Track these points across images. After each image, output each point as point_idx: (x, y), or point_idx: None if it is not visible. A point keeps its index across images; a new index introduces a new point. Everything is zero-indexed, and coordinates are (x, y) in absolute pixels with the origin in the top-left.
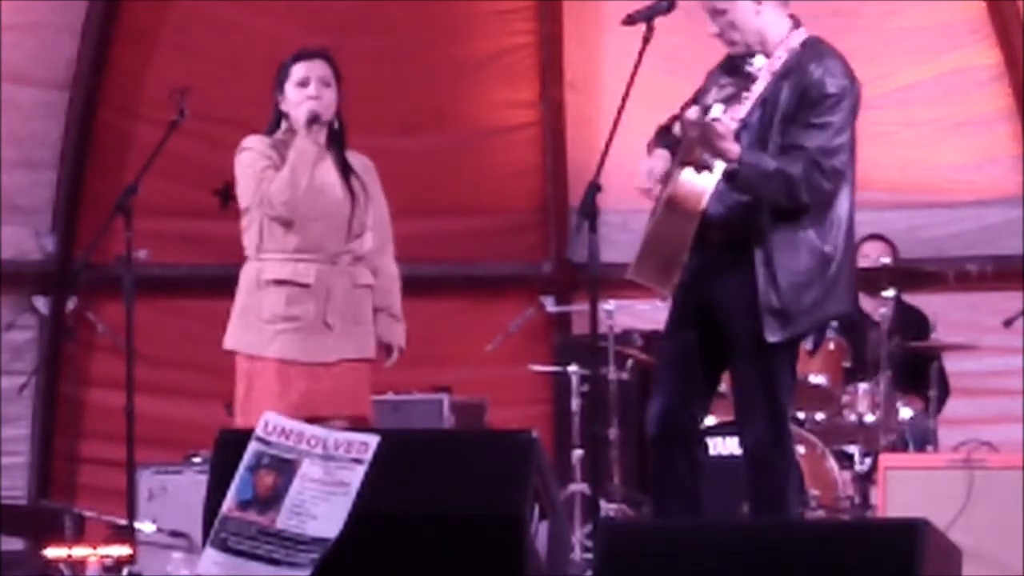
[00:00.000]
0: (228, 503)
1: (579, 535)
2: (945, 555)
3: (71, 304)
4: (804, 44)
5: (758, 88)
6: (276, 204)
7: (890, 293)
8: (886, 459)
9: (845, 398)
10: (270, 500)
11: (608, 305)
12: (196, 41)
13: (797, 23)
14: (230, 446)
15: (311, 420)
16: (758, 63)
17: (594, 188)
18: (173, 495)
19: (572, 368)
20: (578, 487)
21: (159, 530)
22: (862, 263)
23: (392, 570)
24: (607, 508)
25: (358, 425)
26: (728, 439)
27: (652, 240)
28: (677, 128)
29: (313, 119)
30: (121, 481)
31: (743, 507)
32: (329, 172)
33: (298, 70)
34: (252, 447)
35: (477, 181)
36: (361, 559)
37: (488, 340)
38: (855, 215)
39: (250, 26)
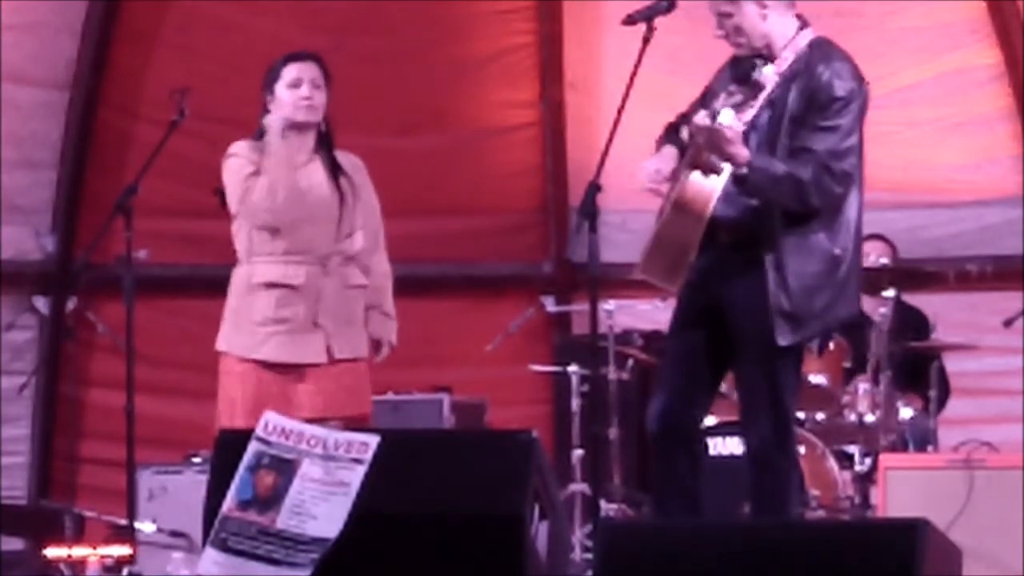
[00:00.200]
0: (228, 503)
1: (579, 535)
2: (945, 555)
3: (71, 304)
4: (811, 45)
5: (766, 89)
6: (260, 213)
7: (890, 293)
8: (886, 459)
9: (845, 398)
10: (270, 500)
11: (608, 305)
12: (196, 41)
13: (804, 23)
14: (230, 446)
15: (310, 421)
16: (767, 71)
17: (594, 188)
18: (173, 495)
19: (572, 368)
20: (578, 487)
21: (159, 530)
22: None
23: (392, 570)
24: (607, 508)
25: (359, 425)
26: (728, 439)
27: (660, 241)
28: (685, 132)
29: (287, 127)
30: (121, 481)
31: (743, 507)
32: (317, 173)
33: (289, 71)
34: (252, 447)
35: (477, 181)
36: (361, 559)
37: (488, 340)
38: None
39: (250, 26)
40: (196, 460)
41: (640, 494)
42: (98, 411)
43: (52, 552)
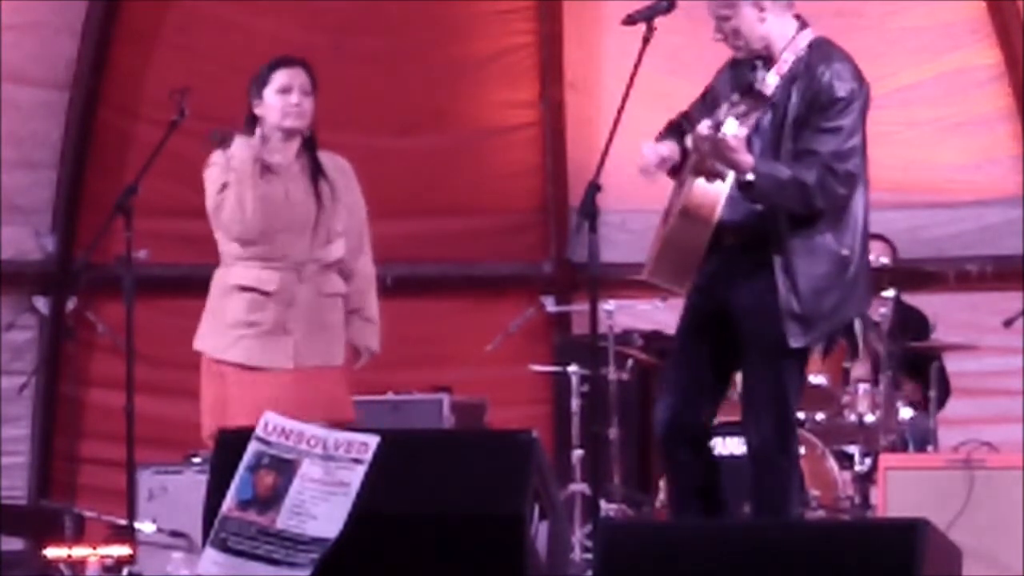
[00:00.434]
0: (228, 503)
1: (579, 535)
2: (945, 555)
3: (71, 304)
4: (811, 46)
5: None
6: (231, 228)
7: (890, 293)
8: (886, 459)
9: (845, 398)
10: (270, 500)
11: (608, 305)
12: (196, 41)
13: (803, 24)
14: (230, 446)
15: None
16: (770, 80)
17: (594, 188)
18: (173, 495)
19: (572, 368)
20: (578, 487)
21: (159, 530)
22: None
23: (392, 570)
24: (607, 508)
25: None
26: (728, 439)
27: (667, 246)
28: (689, 141)
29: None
30: (121, 481)
31: (743, 507)
32: (296, 180)
33: (279, 77)
34: (252, 447)
35: (477, 181)
36: (361, 559)
37: (488, 340)
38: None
39: (250, 26)
40: (196, 460)
41: (640, 494)
42: (98, 411)
43: (52, 552)
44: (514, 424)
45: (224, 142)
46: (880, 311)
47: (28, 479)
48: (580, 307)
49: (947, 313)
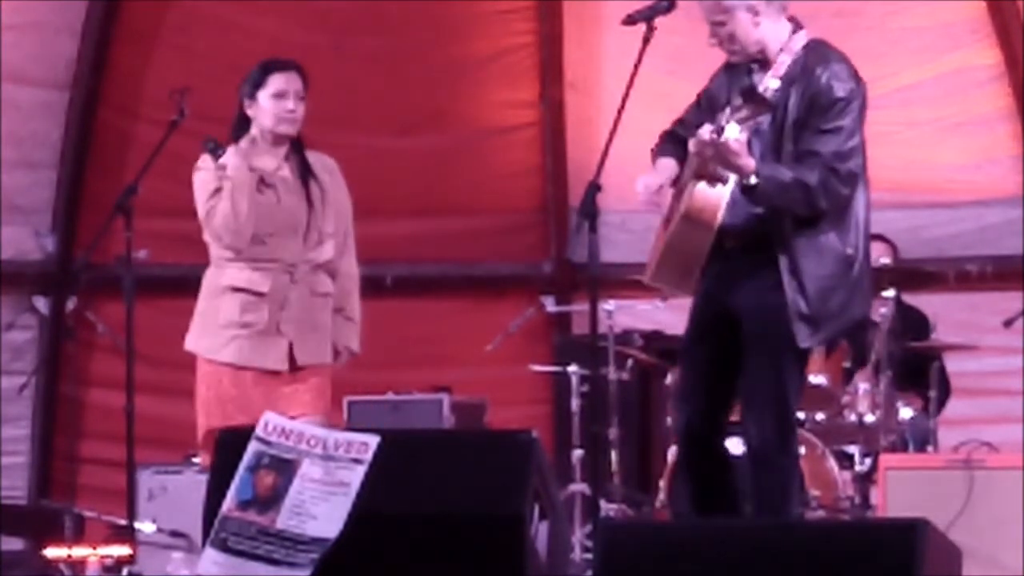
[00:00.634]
0: (228, 503)
1: (579, 535)
2: (945, 555)
3: (71, 304)
4: (807, 48)
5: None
6: (224, 238)
7: (890, 293)
8: (886, 459)
9: (845, 398)
10: (270, 500)
11: (608, 305)
12: (196, 41)
13: (797, 26)
14: (230, 446)
15: None
16: (772, 86)
17: (594, 188)
18: (173, 495)
19: (572, 368)
20: (578, 487)
21: (159, 530)
22: None
23: (392, 570)
24: (607, 508)
25: None
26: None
27: (670, 251)
28: (691, 145)
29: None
30: (121, 481)
31: (745, 506)
32: (287, 184)
33: (276, 81)
34: (252, 447)
35: (477, 181)
36: (361, 559)
37: (488, 340)
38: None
39: (250, 26)
40: (196, 460)
41: (640, 494)
42: (98, 411)
43: (52, 552)
44: (514, 424)
45: (216, 151)
46: (880, 311)
47: (28, 479)
48: (580, 307)
49: (947, 313)
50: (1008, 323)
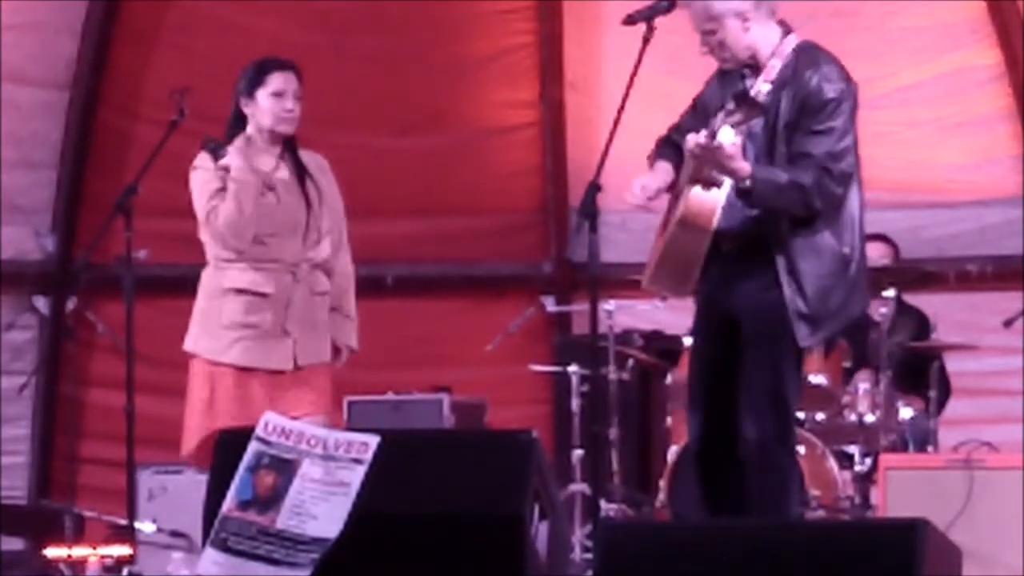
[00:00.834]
0: (228, 503)
1: (579, 535)
2: (945, 555)
3: (71, 304)
4: (797, 50)
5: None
6: (227, 239)
7: (890, 293)
8: (886, 459)
9: (845, 398)
10: (270, 500)
11: (608, 305)
12: (196, 41)
13: (787, 29)
14: (230, 446)
15: None
16: (764, 89)
17: (594, 188)
18: (173, 495)
19: (572, 368)
20: (578, 487)
21: (159, 530)
22: None
23: (392, 570)
24: (607, 508)
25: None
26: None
27: (666, 256)
28: (687, 149)
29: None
30: (121, 481)
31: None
32: (285, 184)
33: (275, 80)
34: (252, 447)
35: (477, 181)
36: (361, 559)
37: (488, 340)
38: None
39: (250, 26)
40: None
41: (640, 494)
42: (98, 411)
43: (52, 552)
44: (514, 424)
45: (218, 151)
46: (880, 311)
47: (28, 479)
48: (580, 307)
49: (947, 313)
50: (1008, 323)
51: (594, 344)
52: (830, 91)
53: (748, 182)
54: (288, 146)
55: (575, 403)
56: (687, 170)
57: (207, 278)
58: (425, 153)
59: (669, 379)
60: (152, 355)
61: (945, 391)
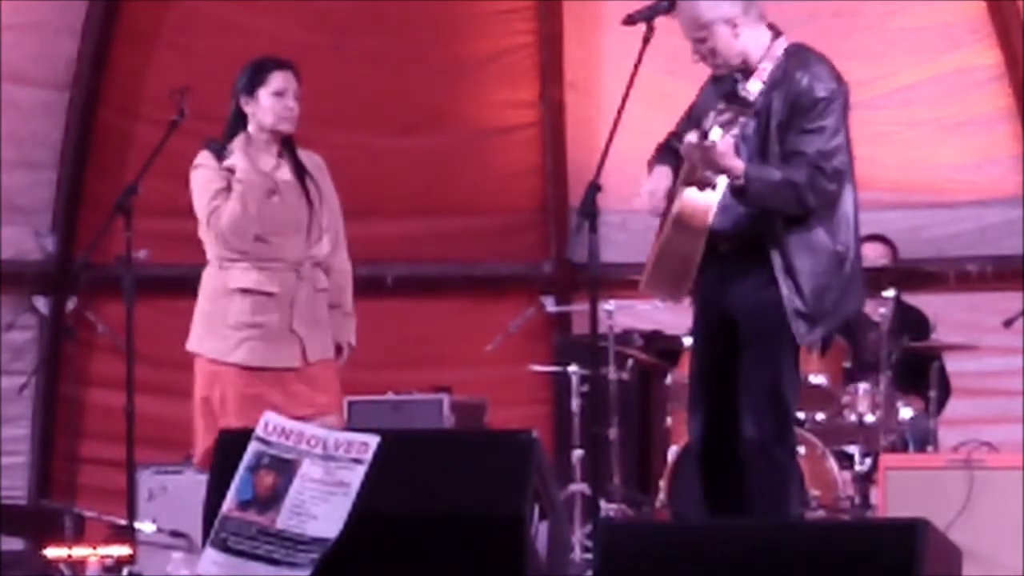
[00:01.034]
0: (228, 503)
1: (579, 535)
2: (945, 555)
3: (71, 304)
4: (787, 52)
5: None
6: (230, 239)
7: (890, 293)
8: (886, 459)
9: (845, 398)
10: (270, 500)
11: (608, 305)
12: (196, 41)
13: (777, 33)
14: (230, 446)
15: None
16: (753, 88)
17: (594, 188)
18: (173, 495)
19: (572, 368)
20: (578, 487)
21: (159, 530)
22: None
23: (392, 570)
24: (607, 508)
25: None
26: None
27: (662, 258)
28: (682, 150)
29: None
30: (121, 481)
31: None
32: (286, 183)
33: (276, 79)
34: (252, 447)
35: (477, 181)
36: (361, 559)
37: (488, 340)
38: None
39: (250, 26)
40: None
41: (640, 494)
42: (98, 411)
43: (52, 552)
44: (514, 424)
45: (222, 152)
46: (880, 311)
47: (28, 479)
48: (580, 307)
49: (947, 313)
50: (1008, 323)
51: (594, 344)
52: (821, 90)
53: (742, 180)
54: (286, 145)
55: (575, 403)
56: (682, 171)
57: (209, 278)
58: (425, 153)
59: (669, 379)
60: (152, 355)
61: (945, 391)
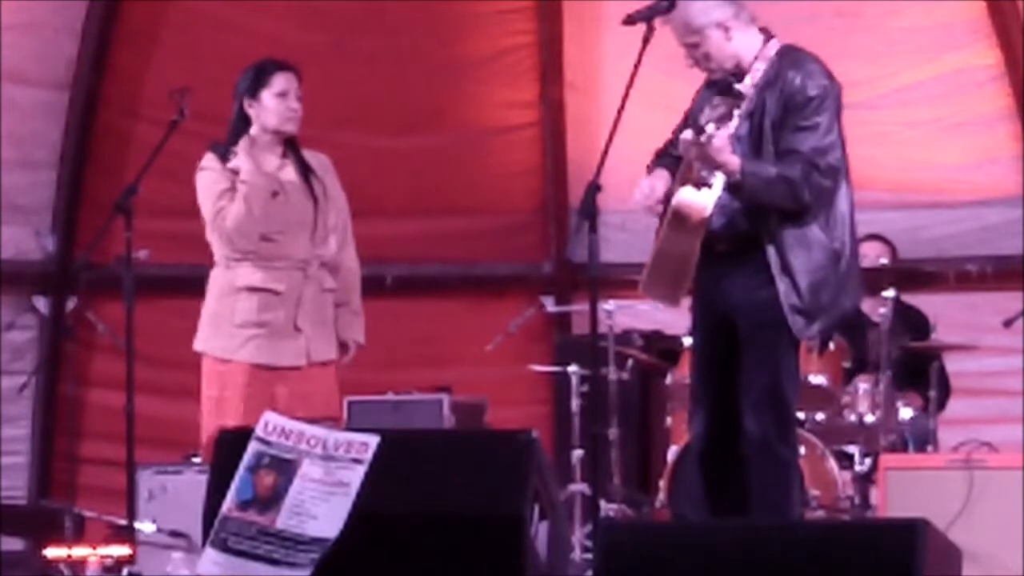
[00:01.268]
0: (228, 503)
1: (579, 535)
2: (945, 555)
3: (71, 304)
4: (779, 53)
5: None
6: (235, 240)
7: (890, 293)
8: (886, 459)
9: (845, 398)
10: (270, 500)
11: (608, 305)
12: (196, 41)
13: (768, 35)
14: (230, 446)
15: None
16: (747, 82)
17: (594, 188)
18: (173, 495)
19: (572, 368)
20: (578, 487)
21: (159, 530)
22: (861, 263)
23: (392, 570)
24: (607, 508)
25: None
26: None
27: (660, 258)
28: (679, 146)
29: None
30: (121, 481)
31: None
32: (292, 183)
33: (279, 81)
34: (252, 447)
35: (477, 181)
36: (361, 559)
37: (488, 340)
38: (855, 213)
39: (250, 26)
40: (196, 460)
41: (640, 494)
42: (98, 411)
43: (52, 552)
44: (514, 424)
45: (227, 154)
46: (880, 311)
47: (28, 479)
48: (580, 307)
49: (947, 313)
50: (1008, 323)
51: (594, 344)
52: (813, 88)
53: (738, 176)
54: (290, 145)
55: (575, 403)
56: (679, 171)
57: (216, 278)
58: (425, 153)
59: (669, 379)
60: (152, 355)
61: (945, 391)
